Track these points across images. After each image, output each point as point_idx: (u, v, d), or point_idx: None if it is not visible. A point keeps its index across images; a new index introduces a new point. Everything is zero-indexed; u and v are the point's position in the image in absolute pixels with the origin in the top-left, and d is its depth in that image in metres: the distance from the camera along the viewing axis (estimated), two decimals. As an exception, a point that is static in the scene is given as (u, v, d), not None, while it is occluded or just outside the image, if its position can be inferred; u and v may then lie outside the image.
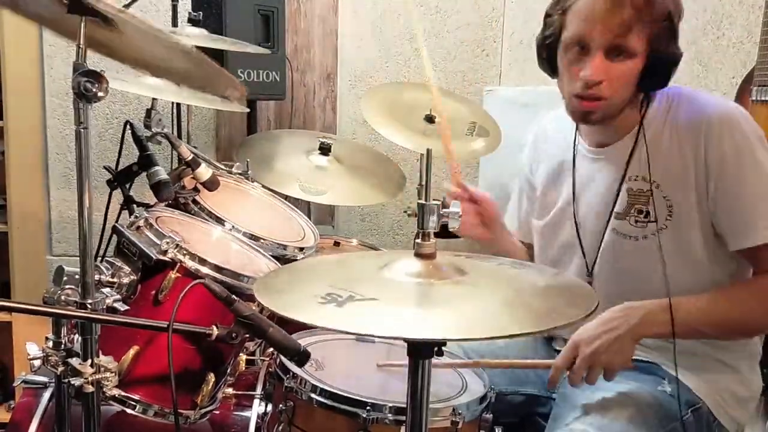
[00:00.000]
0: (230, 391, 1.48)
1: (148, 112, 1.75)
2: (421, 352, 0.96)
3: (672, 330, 1.29)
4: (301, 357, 1.11)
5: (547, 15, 1.41)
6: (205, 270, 1.31)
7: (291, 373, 1.32)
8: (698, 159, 1.33)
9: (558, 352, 1.58)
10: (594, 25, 1.31)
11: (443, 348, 0.98)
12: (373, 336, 1.34)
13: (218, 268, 1.32)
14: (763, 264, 1.34)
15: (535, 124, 1.70)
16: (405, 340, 0.96)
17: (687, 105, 1.38)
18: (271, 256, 1.55)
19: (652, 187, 1.38)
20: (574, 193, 1.51)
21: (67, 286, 1.12)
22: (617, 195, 1.43)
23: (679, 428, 1.34)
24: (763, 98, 2.10)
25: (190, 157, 1.61)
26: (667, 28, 1.30)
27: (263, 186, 1.91)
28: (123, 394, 1.26)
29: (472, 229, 1.61)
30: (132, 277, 1.26)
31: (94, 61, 1.08)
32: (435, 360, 1.14)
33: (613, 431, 1.29)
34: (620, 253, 1.43)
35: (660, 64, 1.33)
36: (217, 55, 2.27)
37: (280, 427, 1.32)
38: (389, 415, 1.22)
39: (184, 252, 1.30)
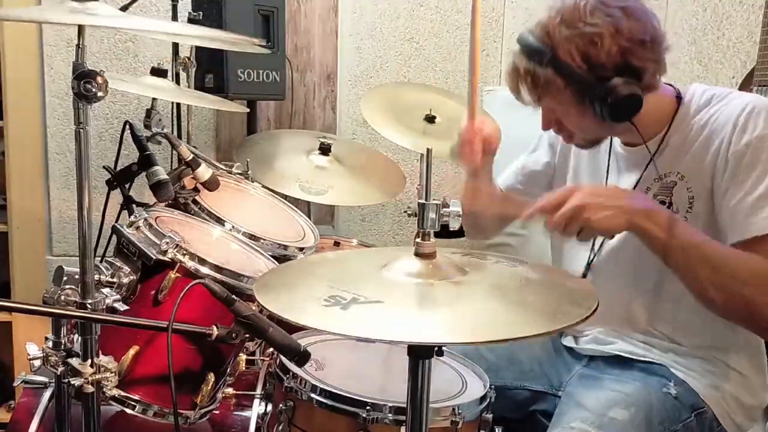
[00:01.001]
0: (230, 391, 1.48)
1: (148, 112, 1.76)
2: (422, 352, 0.96)
3: (664, 238, 1.22)
4: (301, 357, 1.11)
5: None
6: (204, 270, 1.30)
7: (291, 373, 1.32)
8: (722, 150, 1.29)
9: (566, 348, 1.58)
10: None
11: (444, 348, 0.98)
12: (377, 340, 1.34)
13: (218, 268, 1.32)
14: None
15: None
16: (410, 344, 0.96)
17: (724, 101, 1.34)
18: (271, 256, 1.55)
19: (675, 179, 1.36)
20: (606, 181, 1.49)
21: (66, 286, 1.12)
22: (636, 187, 1.40)
23: (681, 431, 1.34)
24: (763, 98, 2.09)
25: (190, 157, 1.61)
26: (570, 75, 1.28)
27: (263, 186, 1.91)
28: (123, 394, 1.26)
29: (474, 156, 1.49)
30: (132, 277, 1.26)
31: (94, 61, 1.08)
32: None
33: None
34: (628, 247, 1.40)
35: (596, 104, 1.28)
36: (217, 55, 2.27)
37: (280, 427, 1.32)
38: (389, 414, 1.22)
39: (184, 252, 1.30)
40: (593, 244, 1.48)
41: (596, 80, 1.27)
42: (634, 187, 1.41)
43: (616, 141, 1.48)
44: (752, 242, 1.24)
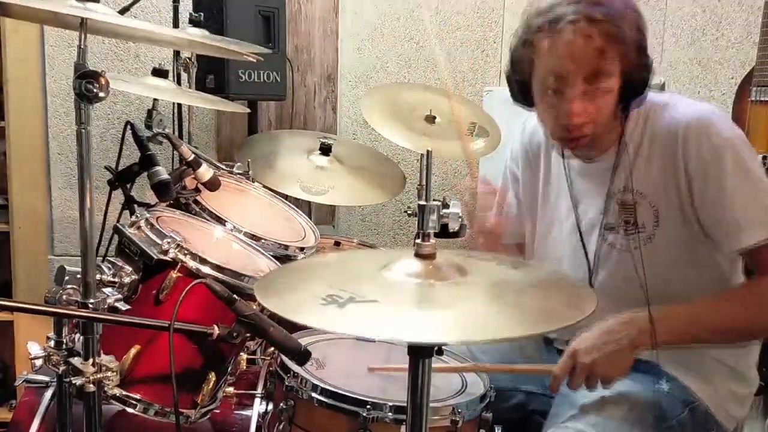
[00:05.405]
0: (231, 390, 1.48)
1: (150, 112, 1.76)
2: (422, 351, 0.97)
3: (669, 339, 1.30)
4: (302, 356, 1.12)
5: (513, 50, 1.41)
6: (206, 270, 1.31)
7: (292, 372, 1.32)
8: (677, 166, 1.33)
9: (559, 352, 1.59)
10: (567, 61, 1.28)
11: (444, 348, 0.99)
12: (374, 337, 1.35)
13: (219, 268, 1.32)
14: (758, 265, 1.34)
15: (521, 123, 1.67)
16: (408, 342, 0.96)
17: (662, 114, 1.37)
18: (272, 256, 1.56)
19: (636, 197, 1.38)
20: (575, 207, 1.50)
21: (68, 286, 1.12)
22: (605, 208, 1.43)
23: (676, 427, 1.35)
24: (762, 98, 2.10)
25: (191, 158, 1.61)
26: (636, 43, 1.29)
27: (264, 186, 1.92)
28: (124, 393, 1.27)
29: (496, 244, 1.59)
30: (133, 276, 1.27)
31: (96, 61, 1.09)
32: (434, 364, 1.14)
33: (609, 430, 1.30)
34: (616, 265, 1.43)
35: (636, 80, 1.31)
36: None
37: (281, 426, 1.32)
38: (389, 414, 1.23)
39: (185, 252, 1.30)
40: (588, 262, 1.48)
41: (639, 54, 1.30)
42: (606, 201, 1.42)
43: (570, 158, 1.49)
44: (750, 251, 1.32)
